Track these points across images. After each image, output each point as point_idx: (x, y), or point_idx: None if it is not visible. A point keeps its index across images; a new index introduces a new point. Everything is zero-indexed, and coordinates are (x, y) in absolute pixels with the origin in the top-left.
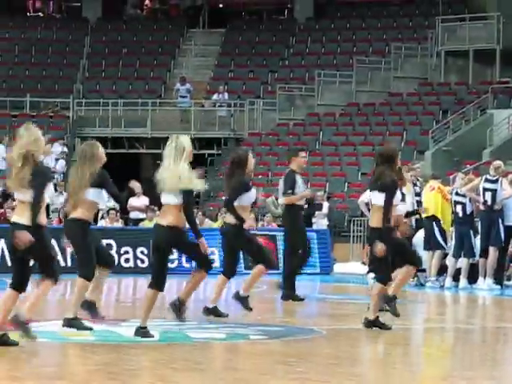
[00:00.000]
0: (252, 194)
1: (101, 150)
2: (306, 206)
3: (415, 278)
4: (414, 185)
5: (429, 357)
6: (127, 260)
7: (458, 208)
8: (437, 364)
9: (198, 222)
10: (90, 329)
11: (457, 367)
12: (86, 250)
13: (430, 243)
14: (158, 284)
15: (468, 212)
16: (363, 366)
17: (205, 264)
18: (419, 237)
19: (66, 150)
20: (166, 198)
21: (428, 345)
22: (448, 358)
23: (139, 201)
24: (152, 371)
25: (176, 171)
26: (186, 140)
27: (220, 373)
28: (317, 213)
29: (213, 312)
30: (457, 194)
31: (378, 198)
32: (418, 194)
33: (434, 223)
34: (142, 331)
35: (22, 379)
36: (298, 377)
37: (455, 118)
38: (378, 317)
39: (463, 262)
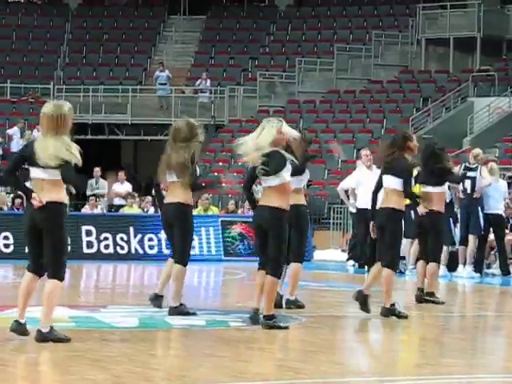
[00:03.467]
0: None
1: None
2: None
3: None
4: None
5: (408, 344)
6: (107, 246)
7: (467, 183)
8: (416, 351)
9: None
10: (194, 313)
11: (436, 355)
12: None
13: (409, 231)
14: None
15: (447, 200)
16: (342, 354)
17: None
18: None
19: None
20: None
21: (407, 332)
22: (427, 346)
23: (123, 187)
24: (131, 357)
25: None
26: None
27: (199, 359)
28: None
29: (293, 303)
30: (466, 168)
31: (392, 182)
32: None
33: (412, 211)
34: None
35: (4, 366)
36: (278, 364)
37: (436, 105)
38: (393, 304)
39: (443, 250)
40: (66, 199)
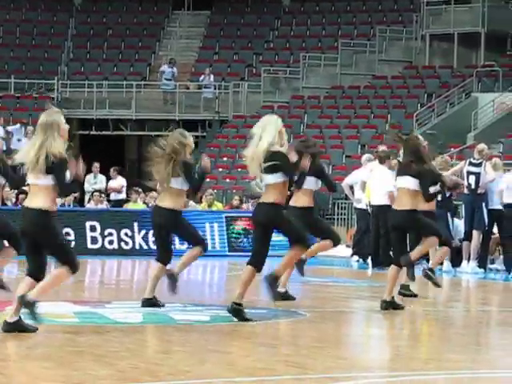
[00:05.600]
0: None
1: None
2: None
3: None
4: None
5: (413, 340)
6: (111, 242)
7: (471, 179)
8: (420, 347)
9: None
10: (163, 305)
11: (440, 350)
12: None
13: None
14: (257, 263)
15: (446, 195)
16: (347, 349)
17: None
18: None
19: None
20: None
21: (412, 328)
22: (431, 341)
23: (116, 182)
24: (135, 353)
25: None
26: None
27: (204, 355)
28: None
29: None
30: (470, 163)
31: (409, 183)
32: None
33: None
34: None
35: (7, 361)
36: (282, 359)
37: (440, 101)
38: (393, 297)
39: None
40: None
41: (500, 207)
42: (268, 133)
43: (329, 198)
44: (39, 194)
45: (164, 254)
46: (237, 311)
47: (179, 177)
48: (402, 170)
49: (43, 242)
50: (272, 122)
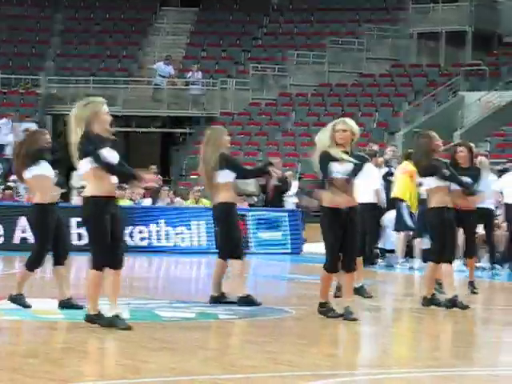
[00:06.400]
0: None
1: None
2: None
3: (385, 259)
4: (387, 166)
5: (399, 337)
6: None
7: (423, 189)
8: (406, 344)
9: (168, 200)
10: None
11: (427, 348)
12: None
13: (400, 224)
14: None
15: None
16: (333, 346)
17: None
18: (389, 218)
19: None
20: None
21: (398, 326)
22: (418, 339)
23: None
24: (122, 350)
25: None
26: None
27: (189, 352)
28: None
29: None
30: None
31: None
32: (391, 174)
33: (402, 204)
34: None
35: None
36: (268, 357)
37: (427, 99)
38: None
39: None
40: None
41: (490, 206)
42: None
43: None
44: None
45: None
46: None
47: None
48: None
49: None
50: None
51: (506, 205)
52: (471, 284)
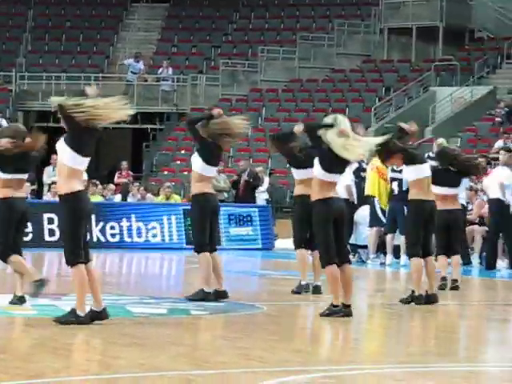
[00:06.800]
0: None
1: None
2: (250, 180)
3: (356, 255)
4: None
5: (369, 333)
6: None
7: (394, 184)
8: (377, 340)
9: (139, 196)
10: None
11: (398, 343)
12: None
13: (373, 220)
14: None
15: (404, 188)
16: (304, 342)
17: None
18: (361, 214)
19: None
20: None
21: (369, 321)
22: (389, 335)
23: None
24: (92, 346)
25: None
26: None
27: (160, 348)
28: (259, 188)
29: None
30: (393, 170)
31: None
32: (364, 170)
33: (374, 200)
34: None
35: None
36: (239, 352)
37: (398, 95)
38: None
39: (401, 239)
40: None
41: (462, 202)
42: None
43: (287, 191)
44: None
45: None
46: None
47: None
48: None
49: None
50: None
51: (490, 200)
52: (444, 279)
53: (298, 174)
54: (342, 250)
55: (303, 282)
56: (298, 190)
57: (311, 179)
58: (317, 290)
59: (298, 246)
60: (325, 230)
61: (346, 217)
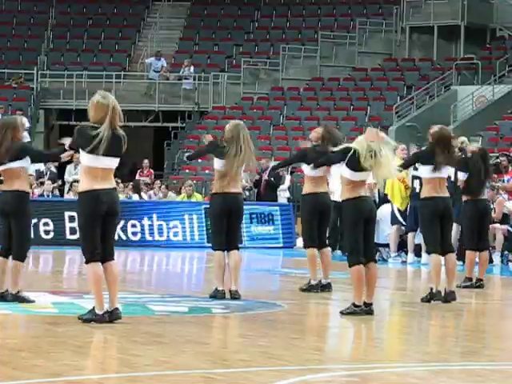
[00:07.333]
0: None
1: None
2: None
3: (377, 254)
4: None
5: (391, 332)
6: None
7: (416, 183)
8: (398, 338)
9: (161, 195)
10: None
11: (418, 342)
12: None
13: (394, 220)
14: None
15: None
16: (325, 341)
17: None
18: (383, 212)
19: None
20: None
21: (391, 320)
22: (409, 333)
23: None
24: (113, 344)
25: None
26: None
27: (181, 346)
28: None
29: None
30: (415, 168)
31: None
32: None
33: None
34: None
35: None
36: (260, 351)
37: (419, 93)
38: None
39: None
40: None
41: None
42: None
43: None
44: None
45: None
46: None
47: None
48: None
49: None
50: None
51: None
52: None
53: (309, 171)
54: (369, 248)
55: (313, 282)
56: (308, 188)
57: (323, 177)
58: (326, 288)
59: (307, 245)
60: (355, 231)
61: (375, 215)
